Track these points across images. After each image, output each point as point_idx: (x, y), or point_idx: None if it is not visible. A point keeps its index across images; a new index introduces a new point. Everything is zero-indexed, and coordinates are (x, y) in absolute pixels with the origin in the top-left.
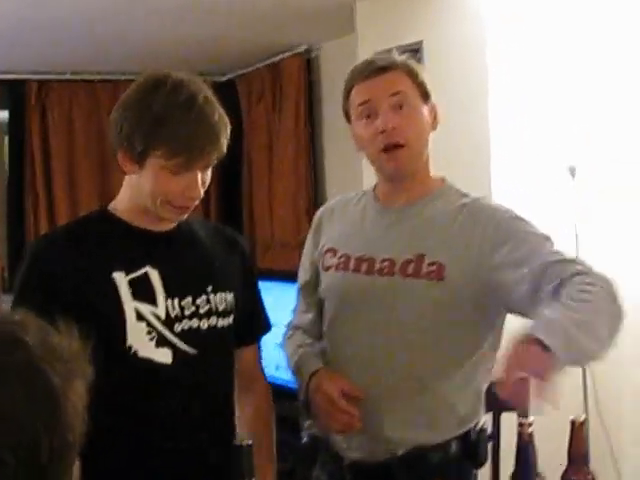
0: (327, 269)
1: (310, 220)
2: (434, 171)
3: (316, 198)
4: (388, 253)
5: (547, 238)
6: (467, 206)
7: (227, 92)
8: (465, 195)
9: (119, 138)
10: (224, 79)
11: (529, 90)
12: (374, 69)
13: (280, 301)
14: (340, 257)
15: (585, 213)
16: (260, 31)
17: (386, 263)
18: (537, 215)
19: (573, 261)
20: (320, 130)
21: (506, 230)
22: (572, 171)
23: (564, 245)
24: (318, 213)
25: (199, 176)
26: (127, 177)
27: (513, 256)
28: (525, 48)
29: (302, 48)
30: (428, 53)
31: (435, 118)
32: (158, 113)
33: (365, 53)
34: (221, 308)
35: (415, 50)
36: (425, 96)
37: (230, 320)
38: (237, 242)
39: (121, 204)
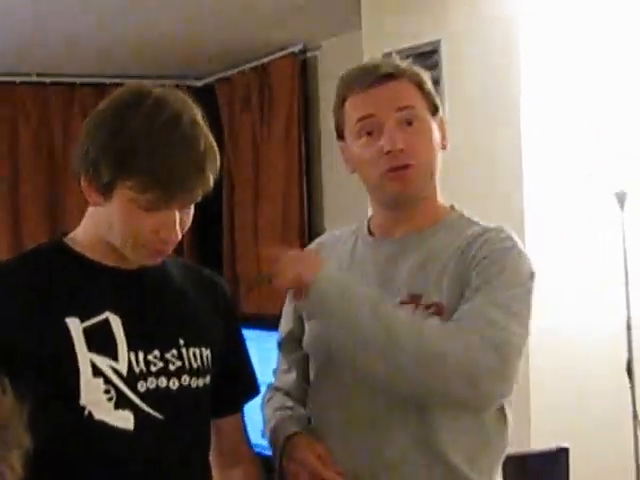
0: (310, 317)
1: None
2: (451, 198)
3: (311, 227)
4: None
5: (518, 285)
6: (475, 237)
7: (204, 99)
8: (476, 224)
9: (84, 162)
10: (200, 84)
11: (569, 102)
12: (377, 77)
13: (268, 354)
14: None
15: (636, 246)
16: (245, 27)
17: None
18: (579, 249)
19: (492, 325)
20: (317, 144)
21: (487, 255)
22: (621, 198)
23: (612, 282)
24: (313, 245)
25: (177, 216)
26: (92, 208)
27: (474, 281)
28: (565, 52)
29: (296, 47)
30: (447, 55)
31: (444, 136)
32: (132, 136)
33: (372, 53)
34: (195, 365)
35: (431, 52)
36: (434, 109)
37: (207, 380)
38: (216, 285)
39: (82, 236)
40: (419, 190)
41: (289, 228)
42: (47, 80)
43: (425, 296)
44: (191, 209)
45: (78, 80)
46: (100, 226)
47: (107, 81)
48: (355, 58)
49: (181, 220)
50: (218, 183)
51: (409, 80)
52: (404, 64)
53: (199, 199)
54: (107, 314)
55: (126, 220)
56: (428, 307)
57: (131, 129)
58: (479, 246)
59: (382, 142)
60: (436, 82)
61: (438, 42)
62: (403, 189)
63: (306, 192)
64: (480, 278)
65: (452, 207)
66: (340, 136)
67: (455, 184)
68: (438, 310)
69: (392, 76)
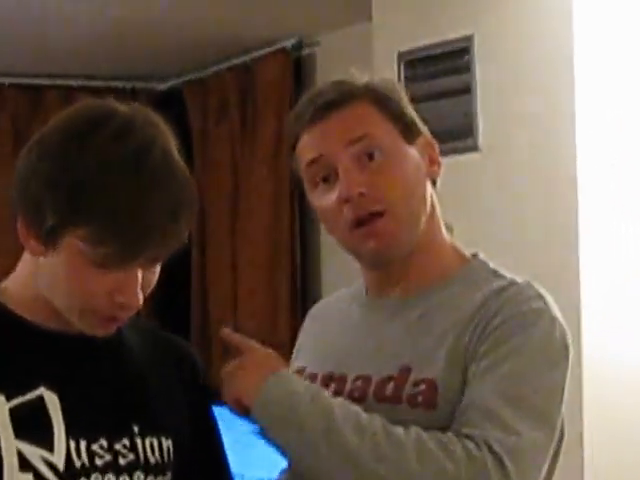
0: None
1: (293, 310)
2: (469, 244)
3: (305, 275)
4: (365, 367)
5: (540, 373)
6: (493, 294)
7: (169, 107)
8: (501, 277)
9: (23, 199)
10: (164, 87)
11: (635, 112)
12: (320, 106)
13: (244, 438)
14: (305, 378)
15: None
16: (222, 15)
17: (359, 382)
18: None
19: (497, 427)
20: None
21: (505, 330)
22: None
23: None
24: (306, 318)
25: (139, 275)
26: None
27: (480, 363)
28: (632, 50)
29: (288, 42)
30: (482, 54)
31: (434, 159)
32: (87, 170)
33: (384, 50)
34: (153, 460)
35: (462, 50)
36: (408, 132)
37: (167, 479)
38: (185, 356)
39: (15, 288)
40: (402, 242)
41: (276, 278)
42: None
43: (415, 370)
44: (157, 267)
45: (7, 80)
46: (40, 280)
47: (42, 82)
48: (362, 56)
49: (144, 280)
50: None
51: (366, 101)
52: (360, 81)
53: (169, 255)
54: (42, 390)
55: (73, 278)
56: (416, 384)
57: (86, 162)
58: (497, 307)
59: (338, 186)
60: (466, 90)
61: (470, 38)
62: (378, 246)
63: (299, 227)
64: (493, 354)
65: (474, 255)
66: (296, 179)
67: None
68: (428, 389)
69: (341, 102)
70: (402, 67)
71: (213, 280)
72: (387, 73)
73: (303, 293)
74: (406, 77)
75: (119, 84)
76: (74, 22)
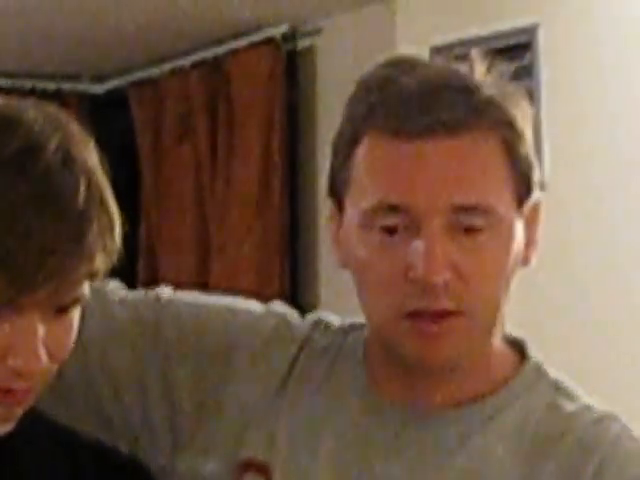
0: None
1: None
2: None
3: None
4: None
5: None
6: (572, 447)
7: (108, 117)
8: (567, 395)
9: None
10: (102, 90)
11: None
12: (430, 121)
13: None
14: None
15: None
16: None
17: None
18: None
19: None
20: (311, 189)
21: None
22: None
23: None
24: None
25: (40, 328)
26: None
27: None
28: None
29: (278, 29)
30: (550, 49)
31: (532, 240)
32: None
33: (410, 44)
34: None
35: (523, 46)
36: (525, 193)
37: None
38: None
39: None
40: (464, 356)
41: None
42: None
43: None
44: (71, 315)
45: None
46: None
47: None
48: (379, 48)
49: (51, 337)
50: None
51: (494, 136)
52: (496, 92)
53: (80, 293)
54: None
55: None
56: None
57: None
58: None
59: (411, 255)
60: (529, 95)
61: (534, 28)
62: (434, 353)
63: (288, 269)
64: None
65: (521, 349)
66: (335, 194)
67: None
68: None
69: (461, 124)
70: None
71: None
72: None
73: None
74: None
75: (40, 85)
76: None
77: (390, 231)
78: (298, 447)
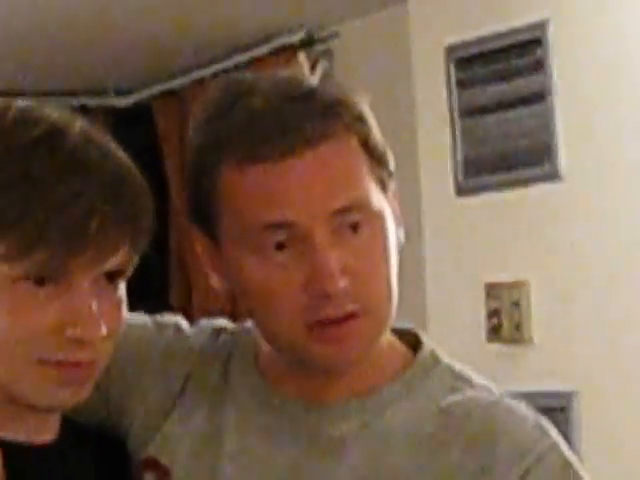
0: None
1: None
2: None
3: None
4: None
5: None
6: (466, 421)
7: (134, 127)
8: (463, 380)
9: None
10: (126, 103)
11: None
12: (284, 133)
13: None
14: None
15: None
16: (204, 8)
17: None
18: None
19: None
20: None
21: None
22: None
23: None
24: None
25: (91, 295)
26: None
27: None
28: None
29: (295, 35)
30: (561, 46)
31: (399, 218)
32: None
33: (425, 44)
34: None
35: (534, 41)
36: (386, 177)
37: None
38: None
39: None
40: (369, 349)
41: None
42: None
43: None
44: (119, 289)
45: None
46: None
47: None
48: (396, 51)
49: (102, 306)
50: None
51: (350, 135)
52: (337, 91)
53: (130, 259)
54: None
55: (8, 322)
56: None
57: None
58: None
59: (306, 269)
60: (540, 96)
61: (544, 23)
62: (343, 354)
63: None
64: None
65: (413, 335)
66: (203, 224)
67: None
68: None
69: (319, 134)
70: (452, 67)
71: None
72: (431, 75)
73: None
74: (458, 81)
75: (65, 101)
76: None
77: (279, 246)
78: (200, 449)
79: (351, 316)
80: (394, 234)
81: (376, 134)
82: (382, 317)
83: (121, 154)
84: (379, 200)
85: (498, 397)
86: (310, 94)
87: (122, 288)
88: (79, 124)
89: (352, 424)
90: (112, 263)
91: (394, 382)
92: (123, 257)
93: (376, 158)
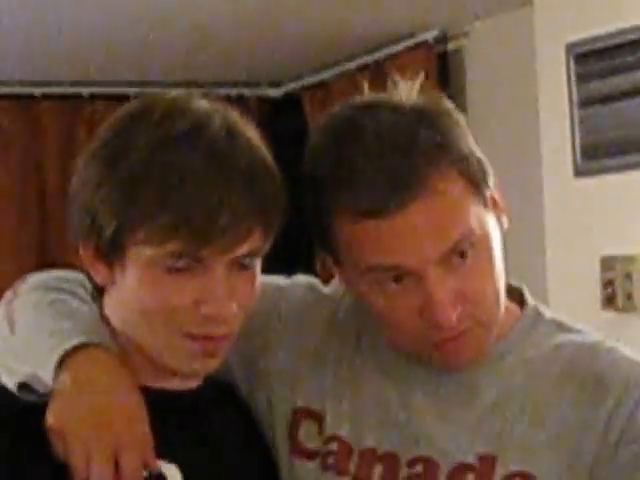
0: (300, 453)
1: None
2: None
3: None
4: (424, 446)
5: None
6: (575, 358)
7: (285, 115)
8: (567, 329)
9: (78, 216)
10: (279, 93)
11: None
12: (399, 200)
13: None
14: (330, 440)
15: None
16: (348, 5)
17: (419, 467)
18: None
19: None
20: None
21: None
22: None
23: None
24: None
25: (223, 277)
26: (108, 295)
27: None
28: None
29: (430, 34)
30: None
31: (500, 214)
32: (134, 160)
33: (548, 41)
34: None
35: None
36: (486, 189)
37: None
38: None
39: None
40: (484, 349)
41: None
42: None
43: (502, 458)
44: (252, 266)
45: (85, 91)
46: (116, 320)
47: (127, 91)
48: (520, 49)
49: (235, 283)
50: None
51: (449, 172)
52: (437, 130)
53: (263, 244)
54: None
55: (150, 295)
56: (511, 476)
57: (132, 151)
58: (626, 416)
59: (421, 297)
60: None
61: None
62: (461, 361)
63: None
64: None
65: (520, 295)
66: (319, 243)
67: None
68: None
69: (417, 185)
70: (572, 62)
71: None
72: (552, 70)
73: None
74: (577, 75)
75: (222, 92)
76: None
77: (396, 279)
78: (345, 395)
79: (465, 331)
80: (498, 239)
81: (472, 155)
82: (493, 322)
83: (259, 146)
84: (482, 218)
85: (603, 339)
86: (412, 142)
87: (257, 265)
88: (220, 119)
89: (479, 371)
90: (244, 249)
91: (507, 337)
92: (255, 243)
93: (476, 182)
